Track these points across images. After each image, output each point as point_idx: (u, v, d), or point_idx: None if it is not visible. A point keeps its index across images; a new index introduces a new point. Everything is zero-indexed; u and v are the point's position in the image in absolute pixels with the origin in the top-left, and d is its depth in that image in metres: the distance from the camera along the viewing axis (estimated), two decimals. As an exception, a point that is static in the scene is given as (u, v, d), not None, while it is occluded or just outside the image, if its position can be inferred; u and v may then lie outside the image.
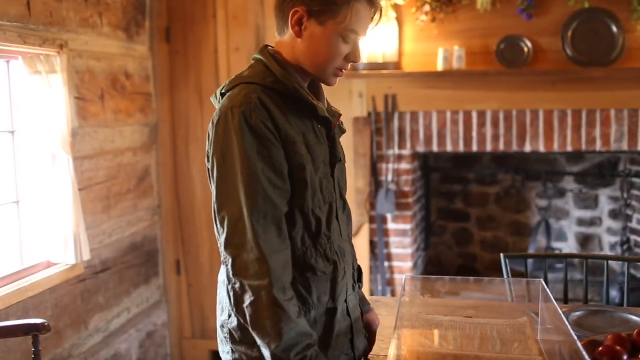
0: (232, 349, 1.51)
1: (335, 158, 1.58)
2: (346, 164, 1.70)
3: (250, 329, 1.38)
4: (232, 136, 1.38)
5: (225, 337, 1.52)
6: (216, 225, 1.47)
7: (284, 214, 1.42)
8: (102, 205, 3.24)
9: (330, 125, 1.56)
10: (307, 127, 1.50)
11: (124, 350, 3.45)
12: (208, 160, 1.48)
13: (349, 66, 1.56)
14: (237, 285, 1.38)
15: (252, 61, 1.55)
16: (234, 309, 1.41)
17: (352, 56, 1.51)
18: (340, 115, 1.61)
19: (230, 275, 1.39)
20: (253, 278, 1.36)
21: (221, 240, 1.41)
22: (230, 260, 1.38)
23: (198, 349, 4.01)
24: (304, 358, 1.36)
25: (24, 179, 2.88)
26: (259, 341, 1.37)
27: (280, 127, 1.42)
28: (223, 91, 1.51)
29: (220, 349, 1.57)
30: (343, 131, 1.65)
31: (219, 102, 1.54)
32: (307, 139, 1.49)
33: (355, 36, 1.48)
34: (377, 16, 1.52)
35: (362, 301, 1.74)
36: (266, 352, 1.37)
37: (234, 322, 1.48)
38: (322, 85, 1.61)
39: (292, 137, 1.44)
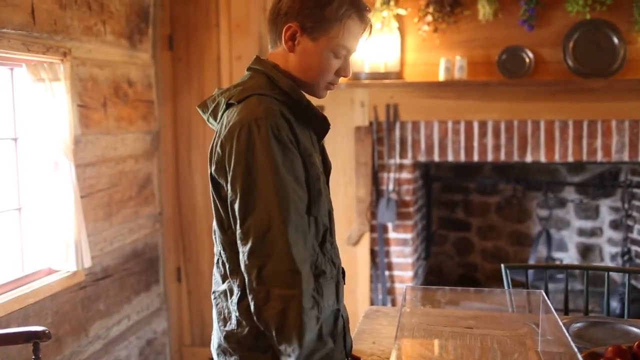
0: (240, 358, 1.51)
1: (327, 167, 1.62)
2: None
3: (273, 335, 1.38)
4: (259, 147, 1.38)
5: (233, 348, 1.51)
6: (222, 234, 1.49)
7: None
8: (103, 212, 3.25)
9: (321, 136, 1.60)
10: (307, 137, 1.53)
11: (123, 357, 3.44)
12: (218, 169, 1.46)
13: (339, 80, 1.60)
14: (260, 295, 1.37)
15: (249, 72, 1.56)
16: (255, 317, 1.40)
17: (342, 71, 1.56)
18: None
19: (254, 285, 1.38)
20: (284, 287, 1.36)
21: (244, 249, 1.40)
22: (255, 270, 1.38)
23: (198, 356, 4.00)
24: None
25: (27, 186, 2.88)
26: (283, 348, 1.38)
27: (299, 139, 1.46)
28: (232, 101, 1.49)
29: None
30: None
31: (220, 109, 1.53)
32: (312, 149, 1.52)
33: (346, 52, 1.53)
34: (367, 32, 1.56)
35: None
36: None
37: (244, 330, 1.48)
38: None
39: (308, 149, 1.48)
